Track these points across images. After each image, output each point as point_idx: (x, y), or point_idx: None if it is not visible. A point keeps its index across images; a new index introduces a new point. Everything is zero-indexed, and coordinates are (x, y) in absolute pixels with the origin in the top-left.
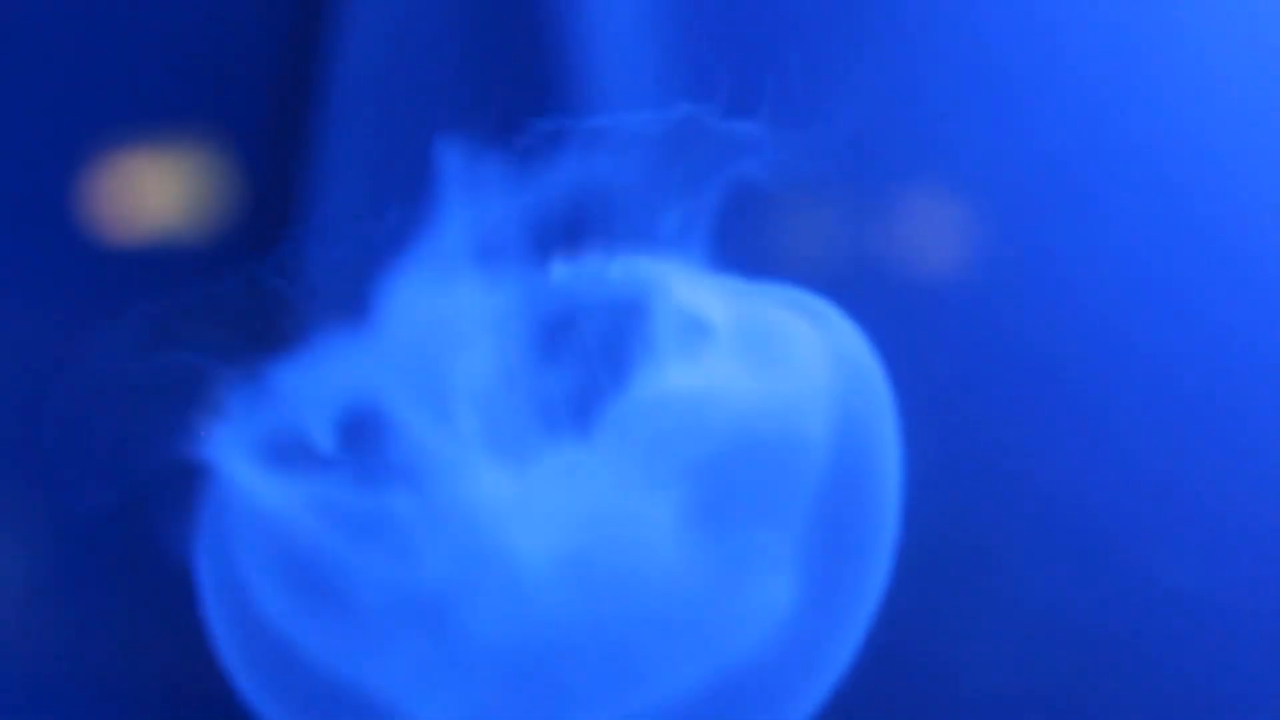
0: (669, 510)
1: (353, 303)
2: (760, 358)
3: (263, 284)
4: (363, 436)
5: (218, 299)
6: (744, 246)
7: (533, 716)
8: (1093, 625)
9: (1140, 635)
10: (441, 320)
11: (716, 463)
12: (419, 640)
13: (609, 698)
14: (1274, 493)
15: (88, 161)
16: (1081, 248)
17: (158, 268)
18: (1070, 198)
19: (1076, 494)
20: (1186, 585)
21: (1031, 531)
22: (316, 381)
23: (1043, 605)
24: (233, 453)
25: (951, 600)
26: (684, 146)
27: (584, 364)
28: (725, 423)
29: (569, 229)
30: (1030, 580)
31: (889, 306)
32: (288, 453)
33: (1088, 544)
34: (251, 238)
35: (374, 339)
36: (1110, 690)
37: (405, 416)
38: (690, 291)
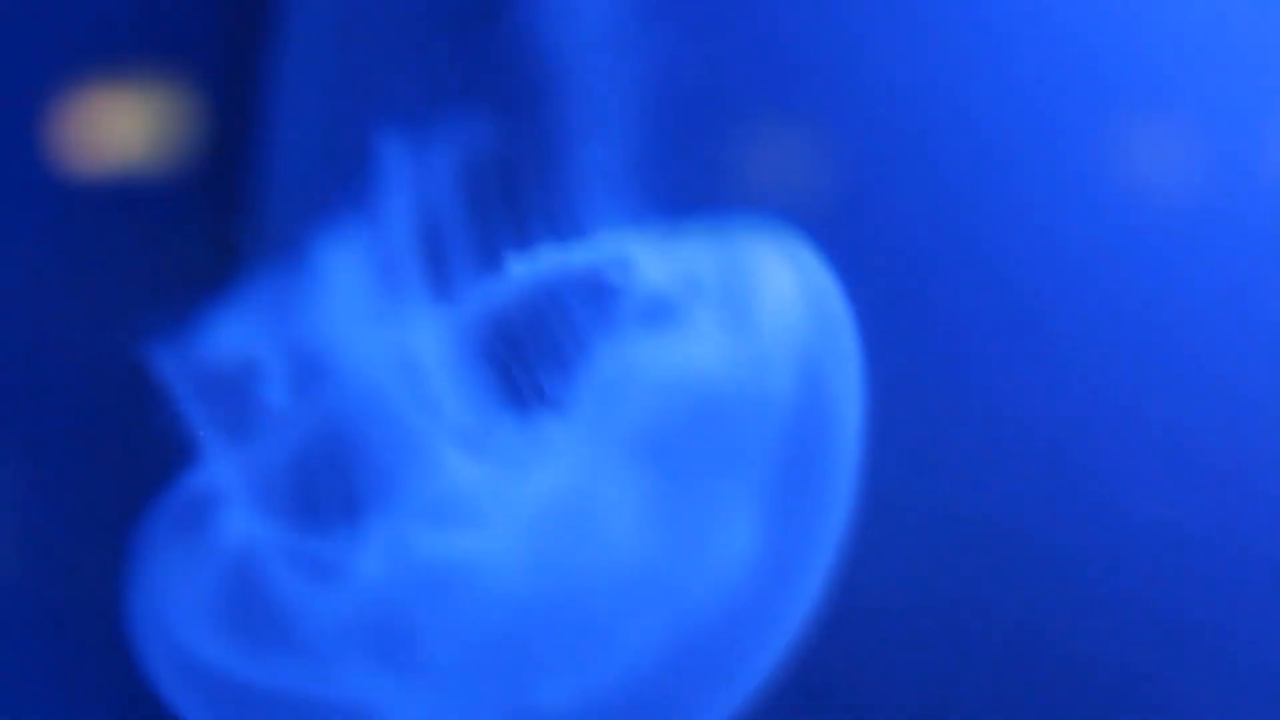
0: (632, 472)
1: (302, 260)
2: (727, 307)
3: (217, 231)
4: (307, 404)
5: (171, 243)
6: (707, 180)
7: (502, 695)
8: (1061, 560)
9: (1112, 566)
10: (389, 299)
11: (679, 421)
12: (379, 642)
13: (579, 665)
14: (1245, 416)
15: (46, 100)
16: (1047, 175)
17: (114, 206)
18: (1034, 125)
19: (1043, 427)
20: (1159, 515)
21: (998, 467)
22: (261, 341)
23: (1010, 542)
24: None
25: (916, 541)
26: (633, 92)
27: (546, 339)
28: (690, 380)
29: (524, 199)
30: (997, 516)
31: (852, 238)
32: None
33: (1055, 478)
34: (209, 176)
35: (319, 308)
36: (1080, 620)
37: (352, 392)
38: (655, 252)
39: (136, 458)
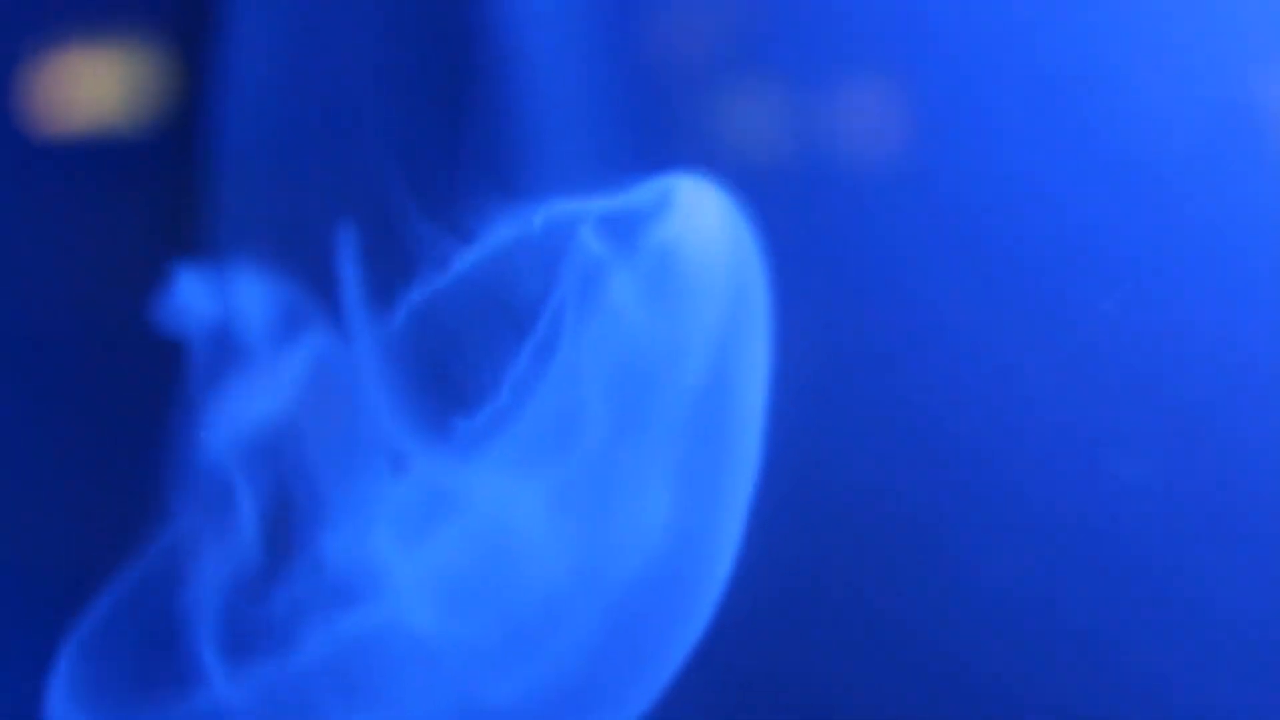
0: (555, 461)
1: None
2: (651, 275)
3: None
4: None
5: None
6: (639, 145)
7: (447, 703)
8: (965, 530)
9: (1017, 539)
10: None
11: (601, 399)
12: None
13: (519, 665)
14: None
15: (14, 62)
16: (988, 146)
17: (81, 164)
18: (971, 98)
19: (946, 401)
20: (1062, 503)
21: (904, 433)
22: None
23: (915, 509)
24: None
25: (824, 508)
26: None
27: (480, 336)
28: (612, 357)
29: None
30: (898, 485)
31: (780, 197)
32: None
33: (960, 451)
34: (173, 138)
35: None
36: (980, 589)
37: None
38: (586, 220)
39: (105, 421)
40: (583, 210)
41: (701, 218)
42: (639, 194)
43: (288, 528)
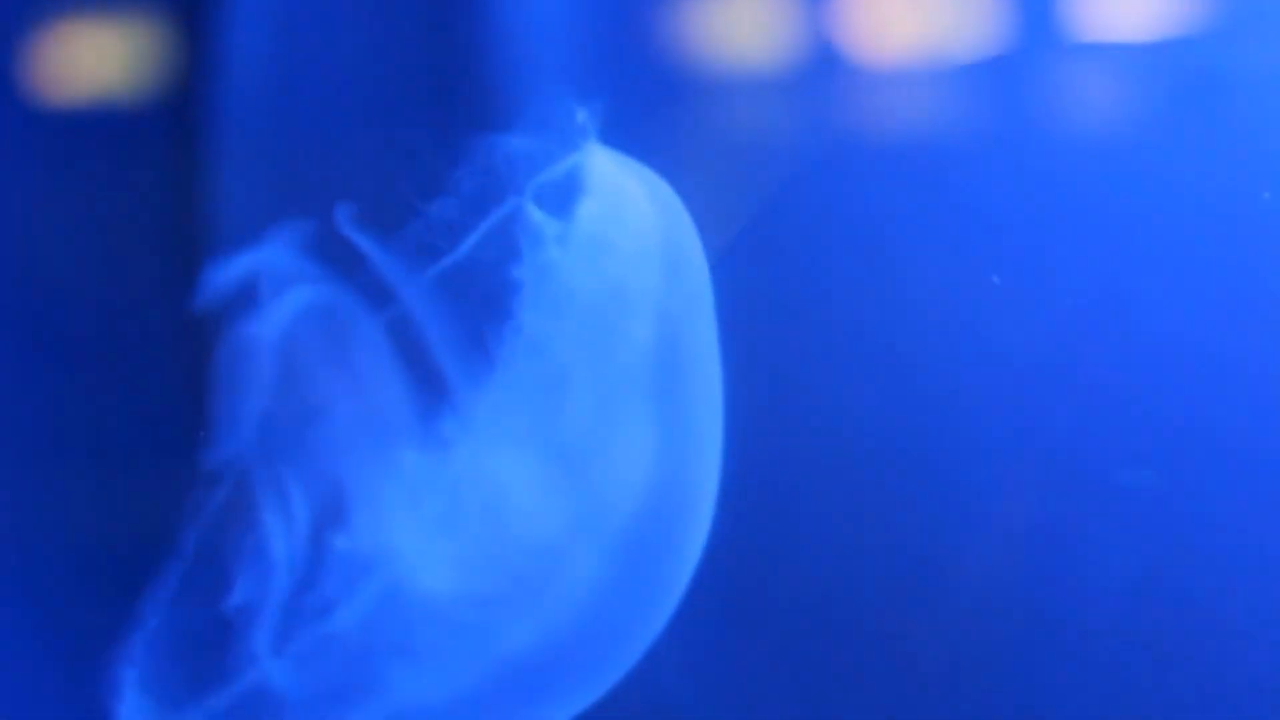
0: (540, 423)
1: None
2: (599, 236)
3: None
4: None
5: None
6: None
7: (472, 656)
8: (919, 473)
9: (972, 479)
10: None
11: (573, 355)
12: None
13: (535, 611)
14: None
15: (23, 32)
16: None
17: (85, 135)
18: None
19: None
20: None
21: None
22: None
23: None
24: None
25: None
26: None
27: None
28: (571, 317)
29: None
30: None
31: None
32: None
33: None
34: (176, 107)
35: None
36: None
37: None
38: (531, 197)
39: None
40: (526, 177)
41: (619, 179)
42: (567, 160)
43: (313, 507)
